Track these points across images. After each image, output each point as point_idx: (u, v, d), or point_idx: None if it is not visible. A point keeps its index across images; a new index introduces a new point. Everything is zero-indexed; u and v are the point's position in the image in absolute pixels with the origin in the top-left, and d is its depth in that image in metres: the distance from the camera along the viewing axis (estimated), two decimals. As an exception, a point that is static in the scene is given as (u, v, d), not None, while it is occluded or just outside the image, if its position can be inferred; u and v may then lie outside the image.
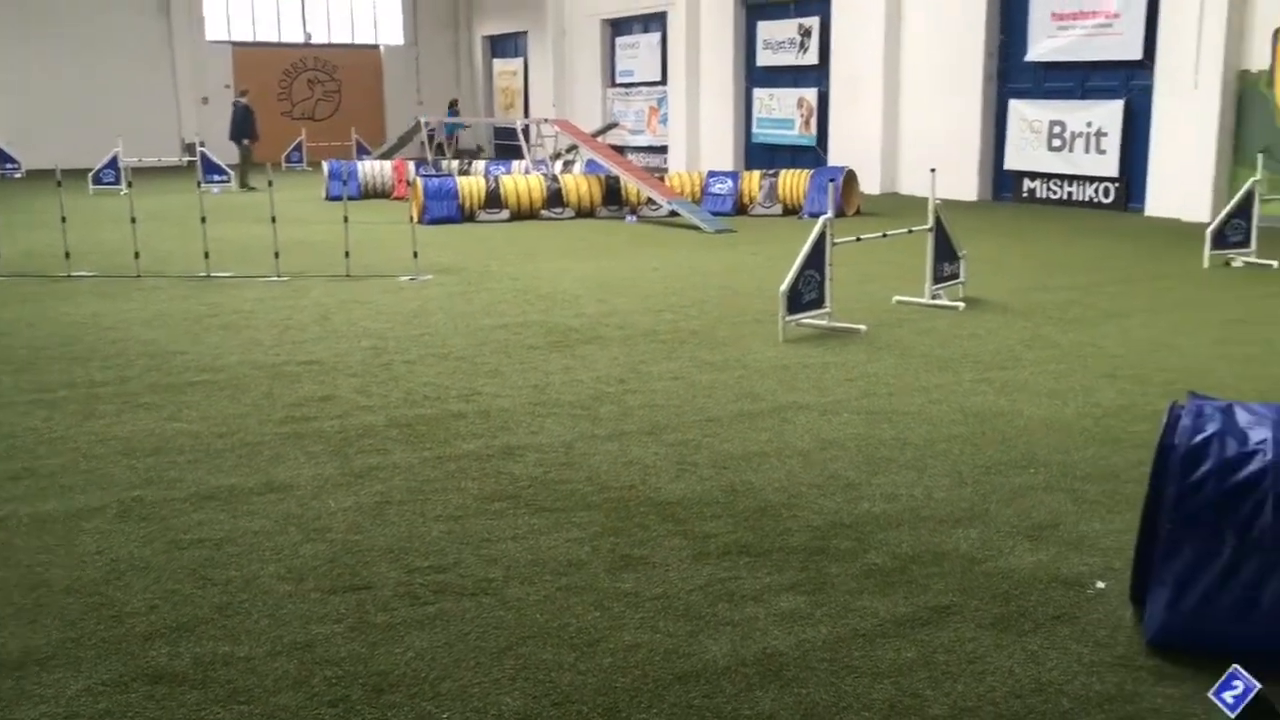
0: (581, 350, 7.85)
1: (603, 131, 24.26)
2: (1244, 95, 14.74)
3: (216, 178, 21.63)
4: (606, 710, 3.20)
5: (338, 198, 15.69)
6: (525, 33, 31.41)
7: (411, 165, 20.47)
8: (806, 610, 3.82)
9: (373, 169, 20.57)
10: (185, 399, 6.62)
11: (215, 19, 31.46)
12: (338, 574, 4.13)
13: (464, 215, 16.29)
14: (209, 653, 3.55)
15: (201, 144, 22.27)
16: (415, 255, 11.25)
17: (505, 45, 33.13)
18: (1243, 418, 3.57)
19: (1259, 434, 3.48)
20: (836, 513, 4.73)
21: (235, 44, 31.69)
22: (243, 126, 22.38)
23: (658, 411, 6.30)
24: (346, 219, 11.39)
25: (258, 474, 5.27)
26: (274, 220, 11.33)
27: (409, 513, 4.75)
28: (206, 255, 11.28)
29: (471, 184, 16.76)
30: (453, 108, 27.63)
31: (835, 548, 4.36)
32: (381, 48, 33.81)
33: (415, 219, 13.40)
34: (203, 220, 11.42)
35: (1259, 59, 14.56)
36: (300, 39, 32.80)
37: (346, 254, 11.18)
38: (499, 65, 33.51)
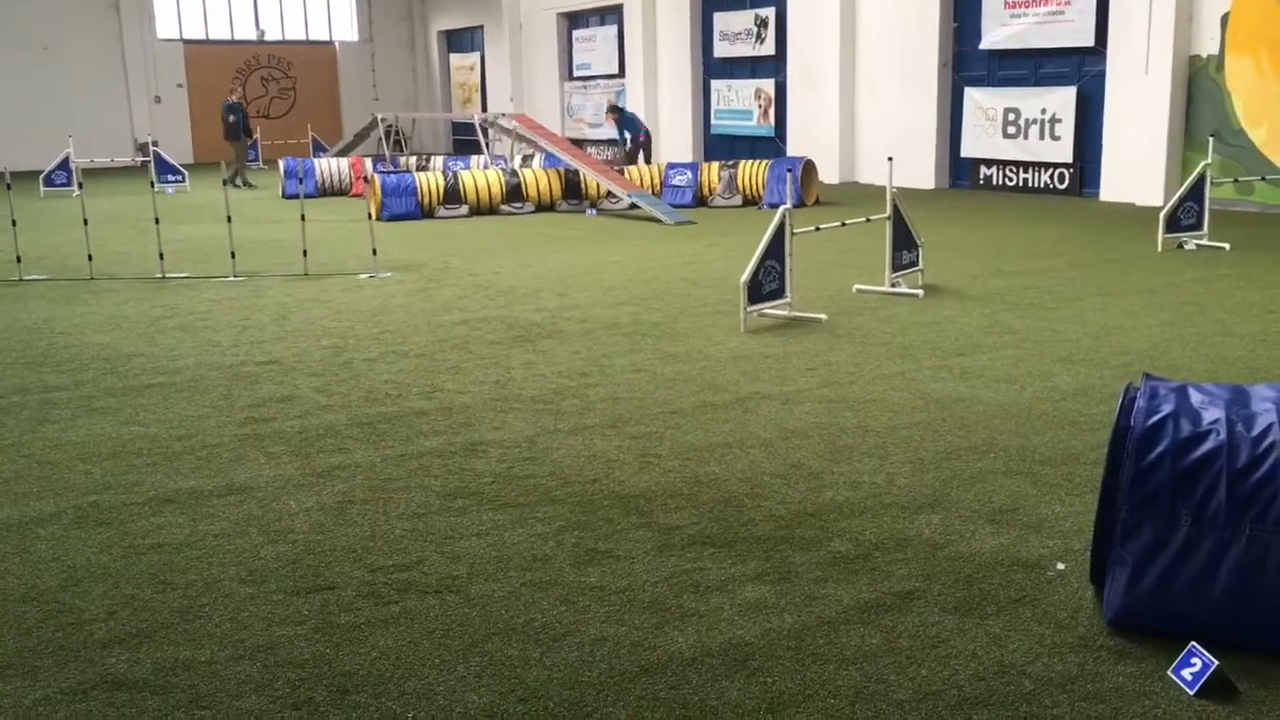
0: (543, 344, 7.83)
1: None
2: (1194, 80, 14.94)
3: (171, 178, 21.37)
4: (573, 704, 3.20)
5: (295, 196, 15.56)
6: (481, 27, 31.26)
7: (369, 162, 20.33)
8: (771, 600, 3.83)
9: (330, 167, 20.41)
10: (142, 402, 6.54)
11: (166, 16, 31.05)
12: (300, 575, 4.09)
13: (423, 211, 16.20)
14: (170, 658, 3.51)
15: (155, 143, 21.99)
16: (374, 252, 11.18)
17: (461, 40, 32.95)
18: (1196, 398, 3.62)
19: (1212, 414, 3.52)
20: (800, 502, 4.74)
21: (187, 41, 31.31)
22: (242, 125, 22.32)
23: (620, 404, 6.30)
24: (304, 217, 11.30)
25: (217, 476, 5.22)
26: (230, 220, 11.21)
27: (371, 512, 4.72)
28: (161, 256, 11.14)
29: (430, 180, 16.66)
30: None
31: (799, 536, 4.37)
32: (336, 44, 33.53)
33: (374, 216, 13.32)
34: (156, 221, 11.27)
35: (1208, 44, 14.76)
36: (253, 36, 32.45)
37: (304, 253, 11.09)
38: (455, 60, 33.33)
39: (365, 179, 16.70)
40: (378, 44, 33.68)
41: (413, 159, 21.29)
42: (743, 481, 5.01)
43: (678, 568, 4.10)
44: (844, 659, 3.42)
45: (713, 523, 4.54)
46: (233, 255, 11.06)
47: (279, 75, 32.54)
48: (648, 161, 19.88)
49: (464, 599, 3.87)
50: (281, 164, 19.98)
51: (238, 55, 31.86)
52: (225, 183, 11.85)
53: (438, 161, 21.27)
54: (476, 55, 32.02)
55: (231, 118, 21.96)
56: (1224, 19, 14.53)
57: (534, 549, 4.29)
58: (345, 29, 33.64)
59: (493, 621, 3.70)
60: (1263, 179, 13.63)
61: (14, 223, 11.28)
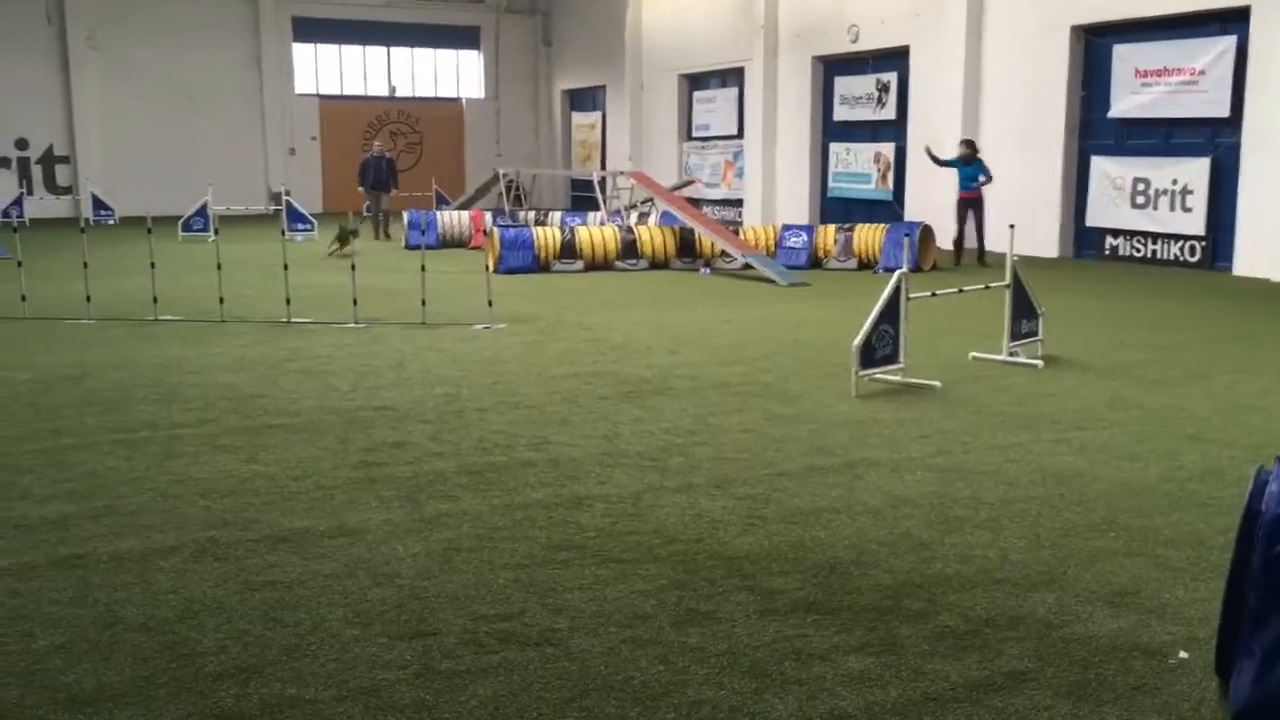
0: (651, 401, 7.85)
1: (679, 188, 24.42)
2: (1336, 153, 14.38)
3: (301, 226, 22.17)
4: (669, 767, 3.15)
5: (416, 247, 15.98)
6: (604, 87, 31.87)
7: (489, 215, 20.80)
8: (875, 672, 3.73)
9: (451, 219, 20.94)
10: (262, 441, 6.74)
11: (304, 73, 32.43)
12: (405, 619, 4.14)
13: (539, 265, 16.47)
14: (276, 695, 3.57)
15: (287, 193, 22.86)
16: (490, 304, 11.39)
17: (584, 99, 33.63)
18: (1334, 484, 3.43)
19: (1352, 502, 3.34)
20: (908, 572, 4.63)
21: (322, 97, 32.61)
22: (389, 177, 22.71)
23: (727, 464, 6.26)
24: (424, 268, 11.58)
25: (330, 517, 5.33)
26: (354, 269, 11.55)
27: (476, 560, 4.76)
28: (288, 301, 11.53)
29: (547, 234, 16.95)
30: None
31: (906, 608, 4.27)
32: (463, 100, 34.53)
33: (491, 268, 13.60)
34: (285, 267, 11.68)
35: (1351, 116, 14.22)
36: (385, 92, 33.64)
37: (423, 302, 11.36)
38: (577, 118, 34.00)
39: (485, 232, 17.08)
40: (503, 101, 34.59)
41: (531, 213, 21.71)
42: (849, 548, 4.92)
43: (780, 633, 4.04)
44: (950, 738, 3.31)
45: (817, 589, 4.46)
46: (355, 302, 11.38)
47: (407, 130, 33.62)
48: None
49: (563, 652, 3.86)
50: (406, 216, 20.58)
51: (369, 111, 33.04)
52: (382, 238, 12.18)
53: (555, 216, 21.65)
54: (598, 114, 32.62)
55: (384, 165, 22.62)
56: (1369, 91, 13.99)
57: (635, 606, 4.27)
58: (473, 86, 34.64)
59: (591, 677, 3.68)
60: None
61: (153, 265, 11.82)
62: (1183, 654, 3.85)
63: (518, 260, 16.40)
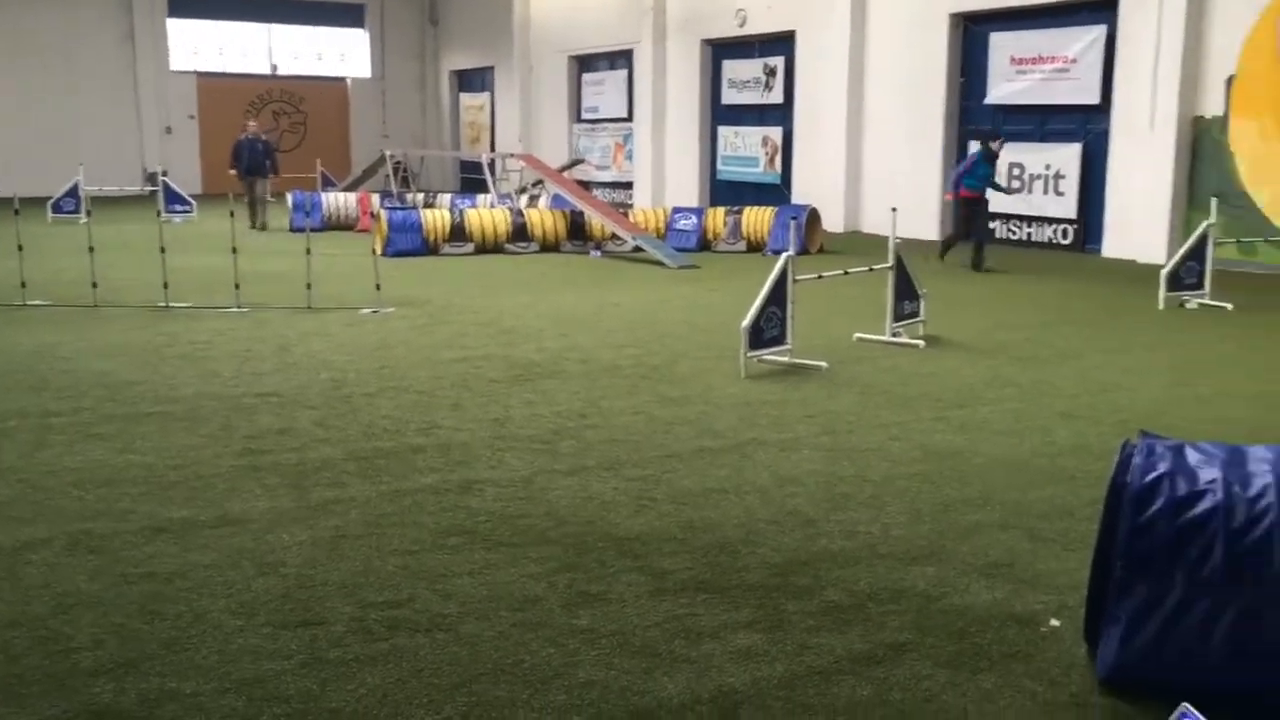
0: (542, 384, 7.84)
1: (568, 167, 24.35)
2: (1198, 140, 15.04)
3: (178, 208, 21.47)
4: (560, 749, 3.17)
5: (301, 229, 15.62)
6: (492, 68, 31.54)
7: (376, 198, 20.44)
8: (763, 647, 3.80)
9: (337, 201, 20.52)
10: (139, 430, 6.53)
11: (181, 49, 31.34)
12: (290, 609, 4.07)
13: (428, 248, 16.27)
14: (155, 689, 3.48)
15: (164, 174, 22.11)
16: (378, 287, 11.21)
17: (472, 80, 33.23)
18: (1193, 457, 3.61)
19: (1209, 473, 3.52)
20: (795, 549, 4.73)
21: (200, 74, 31.58)
22: (266, 160, 20.52)
23: (618, 447, 6.29)
24: (309, 250, 11.34)
25: (211, 507, 5.20)
26: (234, 251, 11.26)
27: (365, 547, 4.70)
28: (165, 285, 11.17)
29: (436, 217, 16.75)
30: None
31: (793, 585, 4.35)
32: (348, 80, 33.82)
33: (378, 251, 13.37)
34: (162, 250, 11.31)
35: (1213, 106, 14.88)
36: (266, 70, 32.75)
37: (308, 286, 11.12)
38: (466, 99, 33.60)
39: (372, 214, 16.79)
40: (389, 81, 33.97)
41: (420, 196, 21.40)
42: (738, 527, 4.99)
43: (669, 613, 4.08)
44: (834, 710, 3.39)
45: (706, 568, 4.51)
46: (236, 286, 11.09)
47: (290, 109, 32.79)
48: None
49: (453, 637, 3.84)
50: (290, 197, 20.09)
51: (250, 89, 32.11)
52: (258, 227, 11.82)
53: (444, 199, 21.39)
54: (487, 95, 32.28)
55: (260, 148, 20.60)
56: (1229, 81, 14.65)
57: (526, 589, 4.27)
58: (358, 66, 33.94)
59: (481, 661, 3.67)
60: (1266, 240, 13.69)
61: (20, 248, 11.33)
62: (1054, 622, 4.00)
63: (406, 243, 16.17)
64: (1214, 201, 12.19)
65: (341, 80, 33.76)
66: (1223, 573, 3.33)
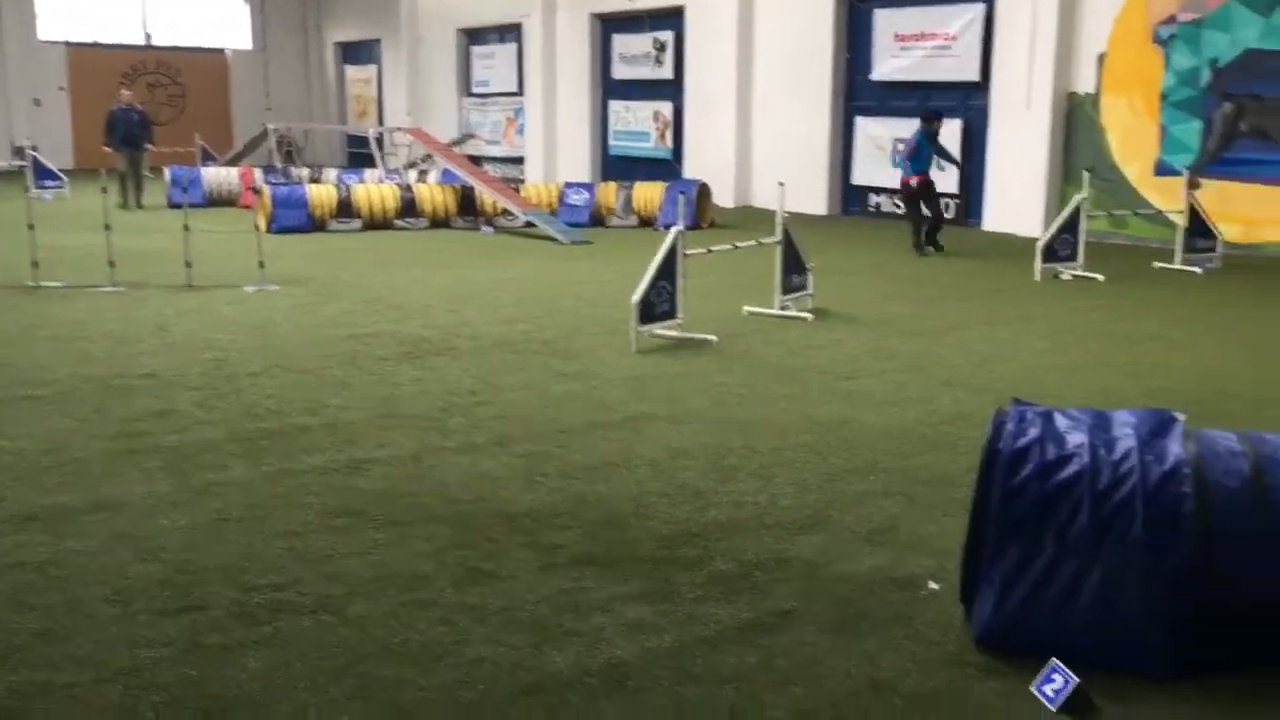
0: (432, 361, 7.75)
1: (458, 142, 24.05)
2: (1072, 116, 15.52)
3: (49, 183, 20.60)
4: (448, 726, 3.16)
5: (179, 205, 15.14)
6: (379, 40, 30.90)
7: (259, 172, 19.91)
8: (652, 619, 3.84)
9: (218, 176, 19.93)
10: (9, 414, 6.28)
11: (49, 18, 29.98)
12: (169, 595, 3.97)
13: (314, 224, 15.92)
14: (26, 681, 3.36)
15: (33, 148, 21.16)
16: (261, 265, 10.94)
17: (358, 52, 32.51)
18: (1061, 422, 3.74)
19: (1076, 438, 3.65)
20: (684, 521, 4.77)
21: (70, 44, 30.27)
22: (143, 131, 19.28)
23: (509, 423, 6.27)
24: (187, 227, 11.01)
25: (86, 492, 5.03)
26: (107, 228, 10.86)
27: (248, 530, 4.60)
28: (35, 264, 10.72)
29: (322, 192, 16.40)
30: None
31: (682, 556, 4.40)
32: (228, 52, 32.79)
33: (262, 227, 13.05)
34: (30, 227, 10.85)
35: (1085, 83, 15.36)
36: (140, 40, 31.56)
37: (188, 264, 10.80)
38: (352, 72, 32.87)
39: (255, 189, 16.36)
40: (271, 53, 33.03)
41: (305, 170, 20.92)
42: (628, 501, 5.02)
43: (560, 587, 4.09)
44: (721, 678, 3.44)
45: (597, 542, 4.54)
46: (111, 264, 10.71)
47: (167, 81, 31.68)
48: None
49: (340, 619, 3.80)
50: (167, 172, 19.44)
51: (124, 60, 30.91)
52: (129, 206, 11.41)
53: (331, 174, 20.95)
54: (373, 68, 31.63)
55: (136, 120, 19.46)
56: (1100, 58, 15.14)
57: (414, 568, 4.24)
58: (238, 37, 32.92)
59: (369, 642, 3.63)
60: (1135, 214, 14.22)
61: (-124, 225, 10.76)
62: (933, 585, 4.13)
63: (291, 219, 15.79)
64: (1086, 176, 12.62)
65: (221, 52, 32.72)
66: (1089, 534, 3.47)
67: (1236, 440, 3.64)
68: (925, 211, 14.20)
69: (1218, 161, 14.07)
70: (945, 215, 14.61)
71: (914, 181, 14.00)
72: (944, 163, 14.85)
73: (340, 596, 3.98)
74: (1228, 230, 13.07)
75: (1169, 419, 3.77)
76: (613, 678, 3.43)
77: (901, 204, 15.42)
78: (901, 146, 15.67)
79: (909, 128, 17.59)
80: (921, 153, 14.04)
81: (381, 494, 5.06)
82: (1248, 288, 11.27)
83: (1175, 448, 3.59)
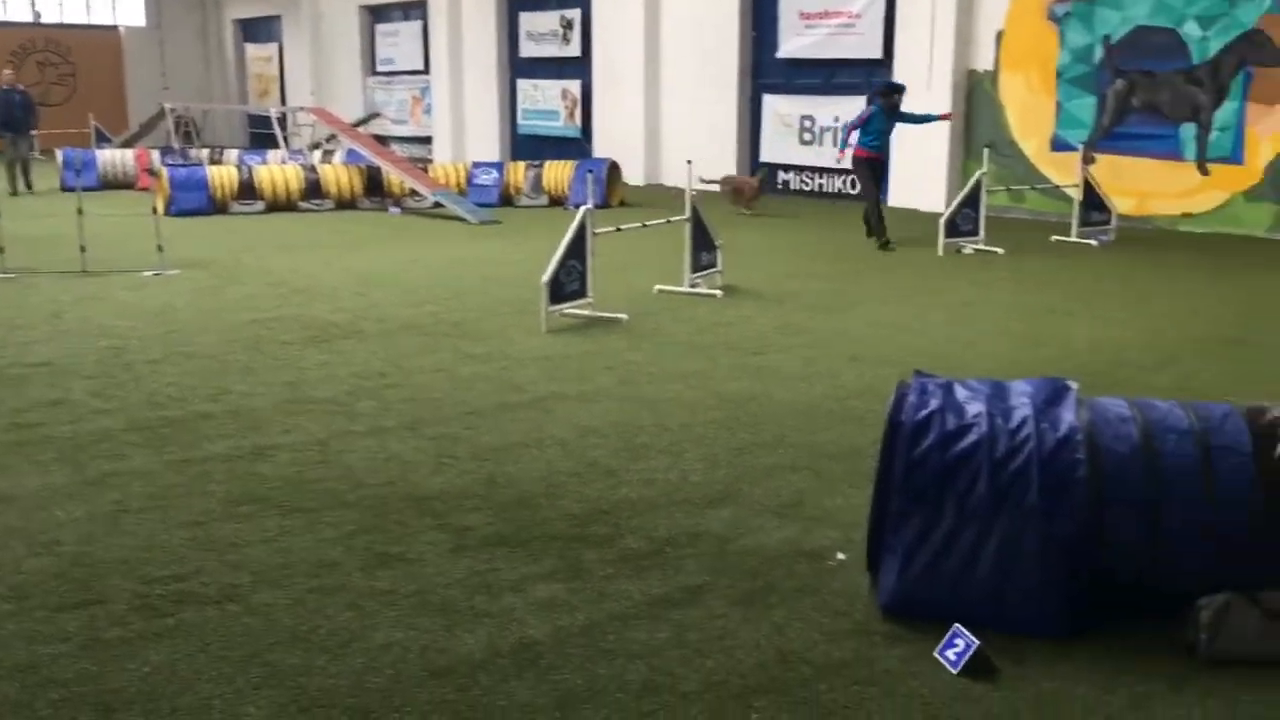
0: (339, 345, 7.64)
1: (364, 122, 23.65)
2: (973, 93, 15.83)
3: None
4: (357, 712, 3.13)
5: (72, 189, 14.67)
6: (279, 17, 30.21)
7: (156, 154, 19.36)
8: (563, 597, 3.85)
9: (114, 158, 19.34)
10: (-109, 408, 6.04)
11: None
12: (66, 589, 3.86)
13: (215, 206, 15.55)
14: (-86, 684, 3.25)
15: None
16: (160, 249, 10.66)
17: (258, 29, 31.75)
18: (961, 393, 3.83)
19: (975, 408, 3.74)
20: (595, 500, 4.78)
21: (-48, 20, 29.08)
22: (26, 114, 18.31)
23: (418, 405, 6.21)
24: (81, 210, 10.67)
25: (-24, 487, 4.86)
26: (-3, 212, 10.48)
27: (148, 520, 4.49)
28: (-82, 251, 10.31)
29: (223, 173, 16.02)
30: None
31: (593, 534, 4.41)
32: (121, 29, 31.76)
33: (160, 210, 12.71)
34: (-87, 212, 10.44)
35: (984, 60, 15.67)
36: (28, 18, 30.39)
37: (82, 248, 10.47)
38: (252, 50, 32.10)
39: (151, 171, 15.91)
40: (167, 31, 32.07)
41: (205, 152, 20.41)
42: (539, 481, 5.01)
43: (471, 569, 4.07)
44: (632, 654, 3.46)
45: (507, 523, 4.52)
46: (0, 250, 10.33)
47: (58, 60, 30.59)
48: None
49: (245, 608, 3.73)
50: (59, 155, 18.78)
51: (10, 38, 29.76)
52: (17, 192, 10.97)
53: (232, 155, 20.46)
54: (274, 46, 30.93)
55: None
56: (998, 36, 15.45)
57: (322, 554, 4.18)
58: (131, 13, 31.90)
59: (275, 631, 3.58)
60: (1033, 188, 14.56)
61: None
62: (840, 555, 4.20)
63: (191, 201, 15.40)
64: (986, 152, 12.89)
65: (114, 29, 31.68)
66: (987, 502, 3.56)
67: (1126, 407, 3.77)
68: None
69: (1110, 136, 14.48)
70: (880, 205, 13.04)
71: (861, 154, 12.72)
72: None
73: (245, 585, 3.91)
74: (1121, 203, 13.47)
75: (1063, 387, 3.88)
76: (524, 657, 3.44)
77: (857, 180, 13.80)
78: (834, 124, 15.54)
79: (816, 105, 17.86)
80: (871, 125, 12.72)
81: (287, 480, 4.98)
82: (1140, 259, 11.64)
83: (1069, 415, 3.69)
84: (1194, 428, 3.61)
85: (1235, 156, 13.50)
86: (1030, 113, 15.24)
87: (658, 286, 9.67)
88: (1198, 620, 3.45)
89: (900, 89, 13.00)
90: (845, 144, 12.98)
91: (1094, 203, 12.96)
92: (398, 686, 3.26)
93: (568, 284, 8.36)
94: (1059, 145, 14.85)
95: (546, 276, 8.15)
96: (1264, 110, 13.18)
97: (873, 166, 12.82)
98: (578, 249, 8.42)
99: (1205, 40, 13.59)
